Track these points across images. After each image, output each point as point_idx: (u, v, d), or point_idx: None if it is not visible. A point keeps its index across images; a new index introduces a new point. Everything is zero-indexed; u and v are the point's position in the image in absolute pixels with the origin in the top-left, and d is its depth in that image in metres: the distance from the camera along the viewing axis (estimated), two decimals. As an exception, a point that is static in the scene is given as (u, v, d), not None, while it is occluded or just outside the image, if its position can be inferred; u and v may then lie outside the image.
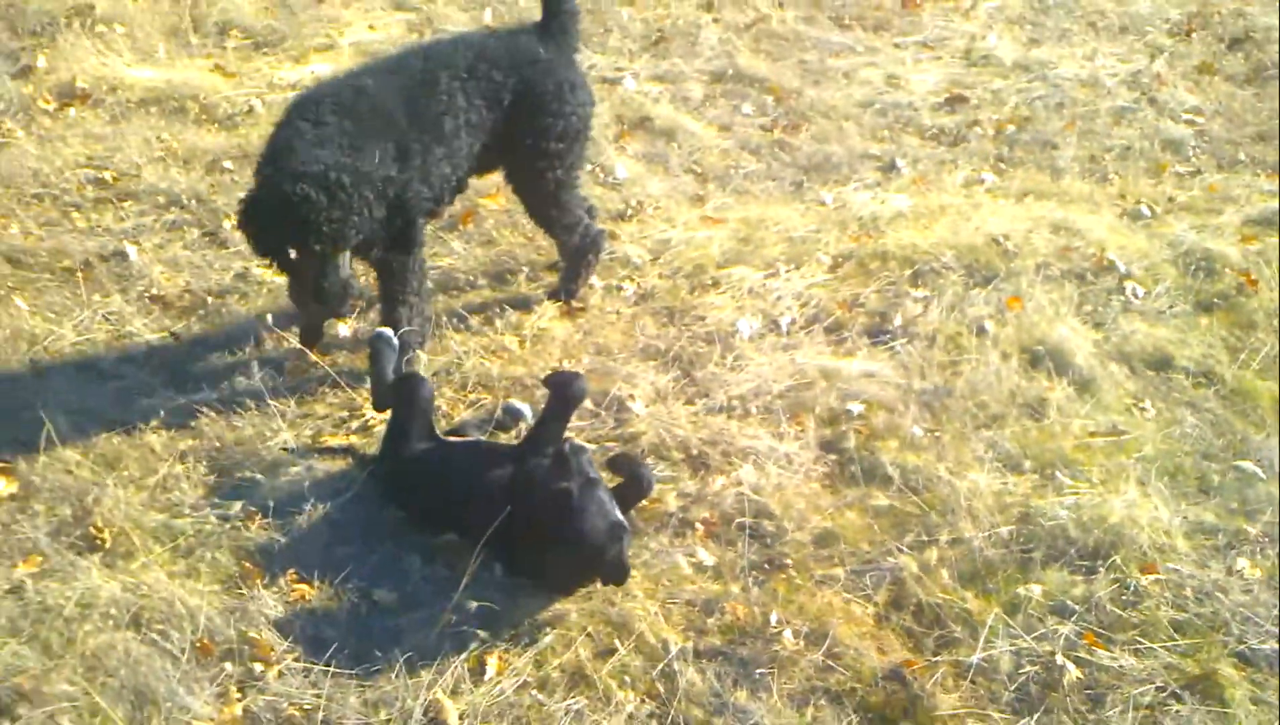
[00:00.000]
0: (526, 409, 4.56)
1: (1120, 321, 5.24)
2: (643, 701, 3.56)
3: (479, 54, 4.59)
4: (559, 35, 4.80)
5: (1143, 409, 4.79)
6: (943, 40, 7.92)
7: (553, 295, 5.23)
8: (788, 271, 5.45)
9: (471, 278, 5.39)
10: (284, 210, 4.07)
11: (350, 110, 4.33)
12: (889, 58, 7.67)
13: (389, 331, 4.44)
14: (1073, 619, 3.81)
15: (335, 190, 4.06)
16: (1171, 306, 5.38)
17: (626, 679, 3.61)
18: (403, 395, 4.24)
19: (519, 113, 4.69)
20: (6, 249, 5.32)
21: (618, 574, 3.74)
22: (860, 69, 7.48)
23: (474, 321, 5.06)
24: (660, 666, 3.63)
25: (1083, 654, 3.74)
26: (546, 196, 4.90)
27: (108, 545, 3.92)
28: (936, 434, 4.56)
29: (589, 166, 6.20)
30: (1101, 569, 3.96)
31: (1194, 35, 8.21)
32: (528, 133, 4.73)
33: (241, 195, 4.32)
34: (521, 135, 4.73)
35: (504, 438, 4.50)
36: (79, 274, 5.21)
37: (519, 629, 3.73)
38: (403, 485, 4.15)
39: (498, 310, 5.14)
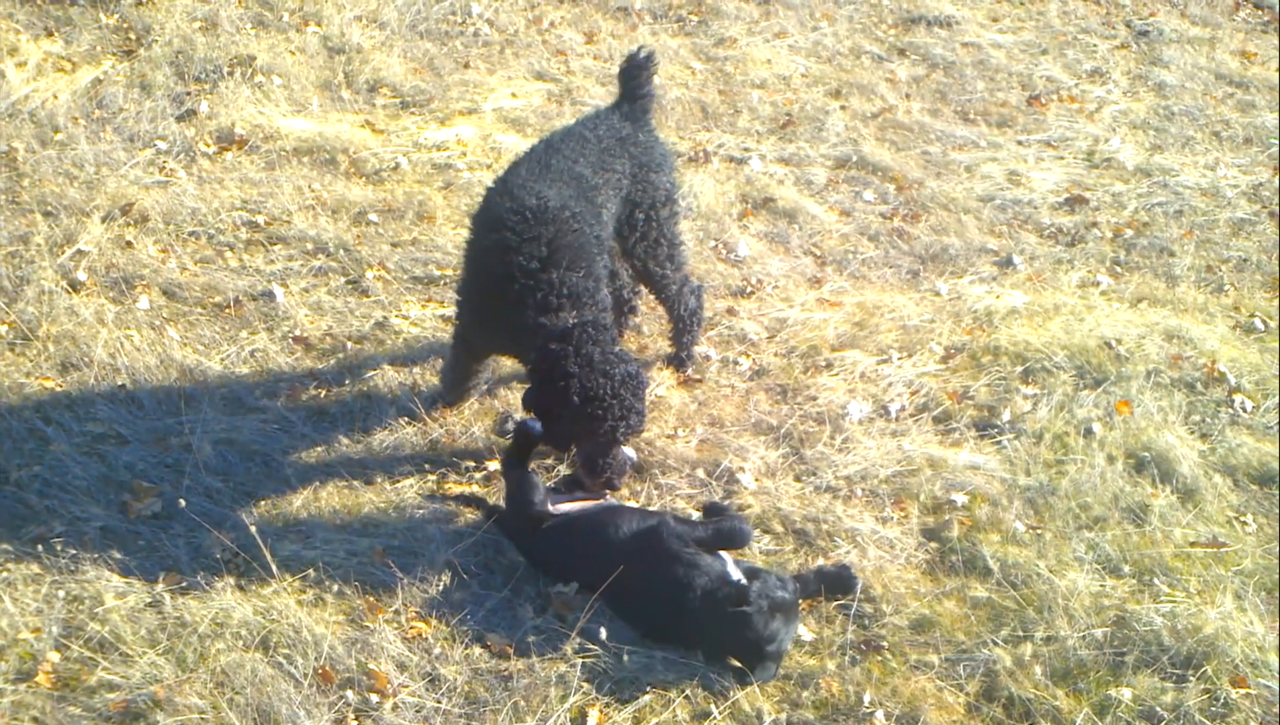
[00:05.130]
0: (633, 454, 4.75)
1: (1227, 433, 5.26)
2: (736, 766, 3.70)
3: (602, 147, 4.89)
4: (641, 114, 5.13)
5: (1244, 522, 4.81)
6: (1066, 140, 7.98)
7: (670, 362, 5.43)
8: (900, 359, 5.59)
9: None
10: None
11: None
12: (1011, 154, 7.75)
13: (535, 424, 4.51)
14: (1161, 725, 3.87)
15: None
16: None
17: (721, 743, 3.74)
18: (517, 491, 4.43)
19: (634, 189, 4.98)
20: (164, 282, 5.67)
21: (764, 678, 3.93)
22: (982, 164, 7.58)
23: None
24: (754, 734, 3.76)
25: (1170, 761, 3.80)
26: (663, 258, 5.14)
27: (242, 569, 4.16)
28: (1038, 531, 4.64)
29: (712, 243, 6.41)
30: (1192, 678, 4.00)
31: (1320, 150, 8.20)
32: (641, 205, 5.01)
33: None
34: (637, 208, 5.01)
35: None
36: (229, 310, 5.53)
37: (620, 685, 3.89)
38: (535, 540, 4.33)
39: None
